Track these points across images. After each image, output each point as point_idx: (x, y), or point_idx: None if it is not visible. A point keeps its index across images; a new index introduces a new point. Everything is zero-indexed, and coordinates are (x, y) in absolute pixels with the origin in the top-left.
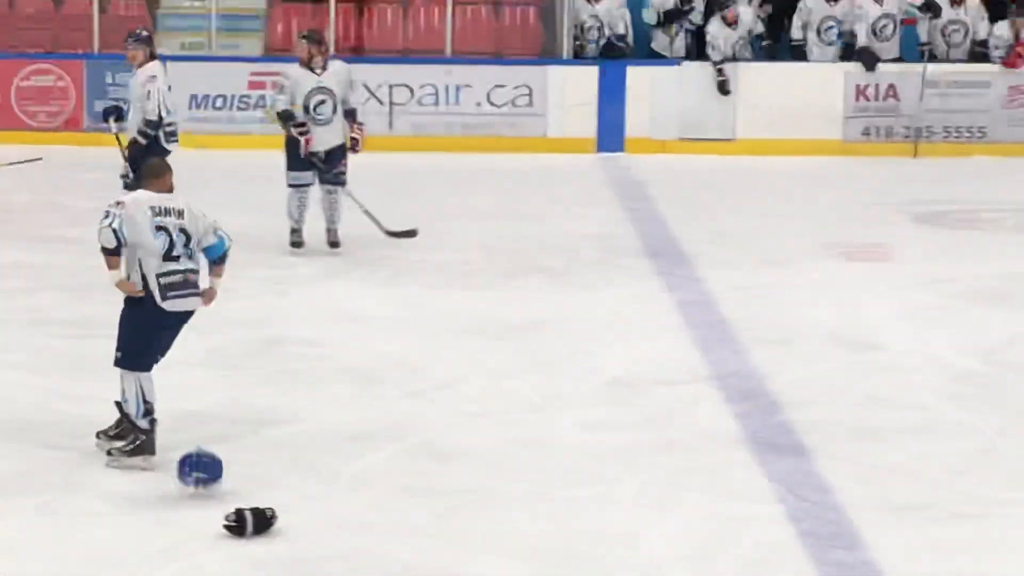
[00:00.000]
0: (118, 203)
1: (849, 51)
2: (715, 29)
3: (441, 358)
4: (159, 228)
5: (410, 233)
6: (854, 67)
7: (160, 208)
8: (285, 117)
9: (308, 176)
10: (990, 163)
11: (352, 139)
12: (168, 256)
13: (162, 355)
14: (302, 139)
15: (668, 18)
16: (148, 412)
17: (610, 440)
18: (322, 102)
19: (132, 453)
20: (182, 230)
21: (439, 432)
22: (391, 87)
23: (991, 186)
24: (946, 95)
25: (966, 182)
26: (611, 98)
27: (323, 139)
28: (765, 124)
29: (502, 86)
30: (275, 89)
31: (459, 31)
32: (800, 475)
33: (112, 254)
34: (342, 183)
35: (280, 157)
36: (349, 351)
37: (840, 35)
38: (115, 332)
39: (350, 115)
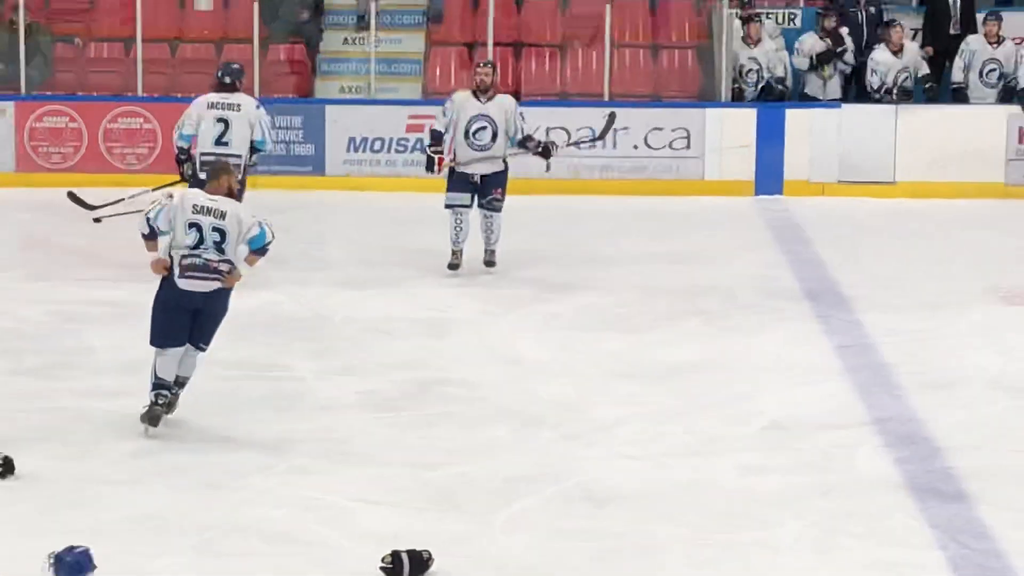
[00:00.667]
0: (169, 196)
1: (1010, 93)
2: (879, 55)
3: (598, 400)
4: (192, 224)
5: (610, 120)
6: (1017, 109)
7: (201, 207)
8: (434, 137)
9: (464, 198)
10: None
11: (545, 146)
12: (195, 247)
13: (200, 342)
14: (435, 158)
15: (821, 60)
16: (155, 387)
17: (769, 484)
18: (482, 128)
19: (141, 419)
20: (216, 228)
21: (596, 475)
22: (548, 130)
23: None
24: None
25: None
26: (770, 140)
27: (480, 165)
28: (926, 167)
29: (660, 128)
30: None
31: (617, 74)
32: (961, 521)
33: (148, 239)
34: (497, 209)
35: (436, 200)
36: (506, 393)
37: (1002, 77)
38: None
39: (528, 140)
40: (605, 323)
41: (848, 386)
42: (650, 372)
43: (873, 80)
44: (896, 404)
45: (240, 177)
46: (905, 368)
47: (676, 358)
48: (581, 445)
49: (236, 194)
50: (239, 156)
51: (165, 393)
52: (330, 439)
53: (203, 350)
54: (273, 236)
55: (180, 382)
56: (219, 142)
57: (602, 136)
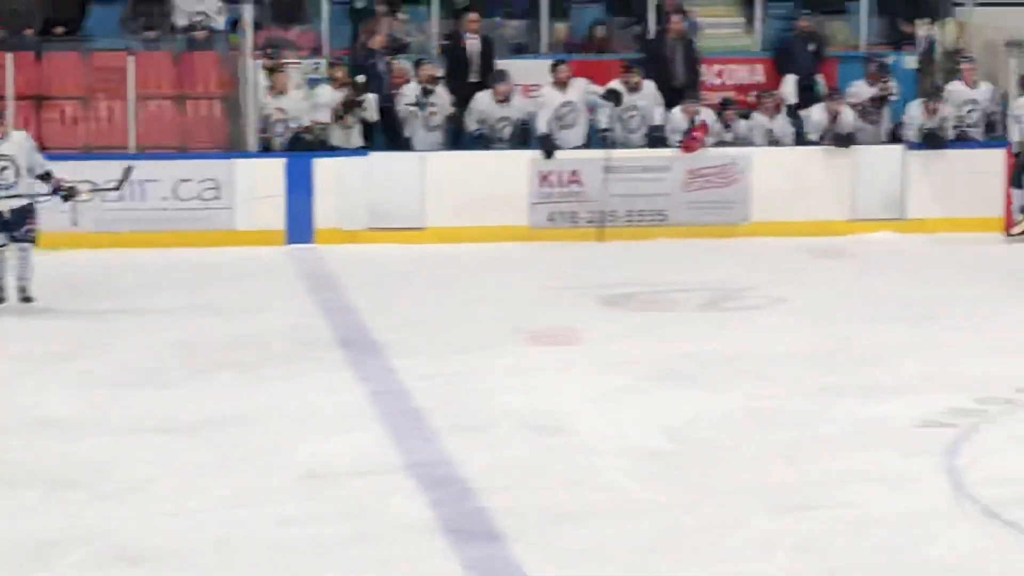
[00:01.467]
0: None
1: (527, 137)
2: (409, 88)
3: (131, 458)
4: None
5: (127, 172)
6: (538, 154)
7: None
8: None
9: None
10: (671, 245)
11: (69, 188)
12: None
13: None
14: None
15: (344, 109)
16: None
17: (306, 534)
18: (4, 168)
19: None
20: None
21: (131, 535)
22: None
23: (673, 268)
24: (628, 180)
25: (649, 264)
26: (299, 190)
27: (7, 202)
28: (453, 212)
29: (188, 180)
30: None
31: (143, 125)
32: (494, 561)
33: None
34: (32, 240)
35: None
36: (34, 455)
37: (515, 129)
38: None
39: (46, 177)
40: (137, 379)
41: (382, 432)
42: (184, 427)
43: (405, 98)
44: (430, 448)
45: None
46: (437, 412)
47: (210, 411)
48: (114, 505)
49: None
50: None
51: None
52: None
53: None
54: None
55: None
56: None
57: (118, 187)
